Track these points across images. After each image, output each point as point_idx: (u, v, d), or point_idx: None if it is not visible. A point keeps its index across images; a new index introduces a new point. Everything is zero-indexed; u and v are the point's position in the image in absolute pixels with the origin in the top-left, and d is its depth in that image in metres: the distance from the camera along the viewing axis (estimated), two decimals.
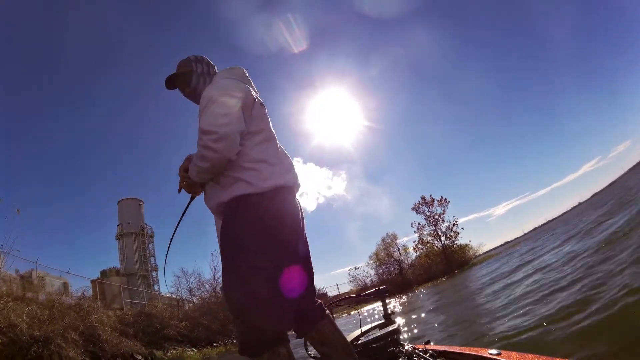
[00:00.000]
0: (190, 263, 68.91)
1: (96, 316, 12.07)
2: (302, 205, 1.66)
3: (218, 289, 22.08)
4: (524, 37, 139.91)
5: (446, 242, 39.47)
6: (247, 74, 1.79)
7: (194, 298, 21.79)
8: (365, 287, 35.85)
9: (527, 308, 5.83)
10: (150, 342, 14.32)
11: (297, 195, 1.65)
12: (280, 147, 1.67)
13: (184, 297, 22.44)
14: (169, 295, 25.60)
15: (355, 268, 39.77)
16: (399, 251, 40.50)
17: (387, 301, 2.73)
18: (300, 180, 1.64)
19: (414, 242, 40.91)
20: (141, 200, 48.44)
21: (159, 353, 13.79)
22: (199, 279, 22.81)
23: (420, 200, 41.26)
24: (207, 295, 21.46)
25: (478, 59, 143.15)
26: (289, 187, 1.55)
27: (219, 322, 18.11)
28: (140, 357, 12.46)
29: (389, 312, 2.69)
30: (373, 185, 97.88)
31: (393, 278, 36.81)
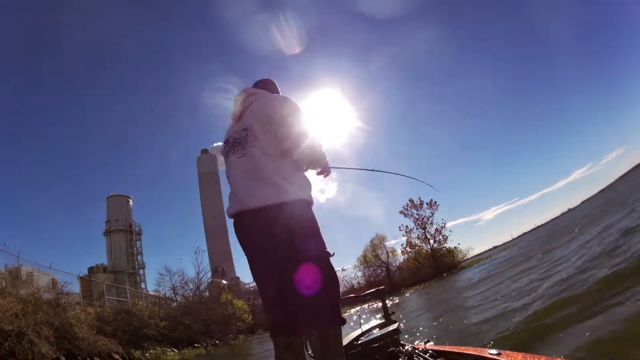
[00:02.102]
0: (176, 261, 67.88)
1: (72, 313, 11.83)
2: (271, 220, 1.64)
3: (202, 287, 21.86)
4: (520, 43, 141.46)
5: (435, 245, 39.24)
6: (231, 112, 1.97)
7: (177, 297, 21.38)
8: (352, 289, 35.79)
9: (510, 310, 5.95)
10: (130, 341, 14.07)
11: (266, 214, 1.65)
12: (241, 172, 1.75)
13: (167, 296, 22.03)
14: (154, 293, 25.28)
15: (342, 269, 39.53)
16: (387, 253, 40.43)
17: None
18: (259, 200, 1.64)
19: (402, 245, 40.70)
20: (129, 197, 47.97)
21: (137, 353, 13.56)
22: (183, 278, 22.32)
23: (409, 202, 40.70)
24: (191, 294, 21.09)
25: (473, 64, 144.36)
26: (241, 213, 1.70)
27: (202, 323, 17.84)
28: (117, 356, 12.24)
29: (389, 312, 2.74)
30: (364, 188, 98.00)
31: (380, 281, 36.62)
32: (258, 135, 1.74)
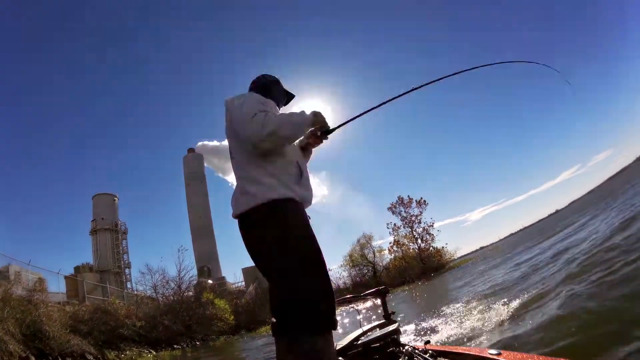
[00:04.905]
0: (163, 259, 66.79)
1: (43, 310, 11.52)
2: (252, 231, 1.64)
3: (183, 287, 21.61)
4: (513, 45, 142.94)
5: (422, 245, 39.13)
6: None
7: (158, 296, 21.03)
8: (338, 289, 35.42)
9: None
10: (106, 341, 13.77)
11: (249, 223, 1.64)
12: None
13: (149, 295, 21.65)
14: (138, 293, 24.90)
15: (329, 270, 39.27)
16: (373, 253, 40.14)
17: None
18: (236, 210, 1.63)
19: (390, 243, 40.28)
20: (115, 195, 47.42)
21: (112, 354, 13.27)
22: (164, 277, 21.92)
23: (397, 200, 40.55)
24: (172, 293, 20.76)
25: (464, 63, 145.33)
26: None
27: (181, 323, 17.56)
28: (91, 357, 11.97)
29: (389, 312, 2.75)
30: (351, 189, 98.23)
31: (366, 281, 36.43)
32: (233, 149, 1.77)
